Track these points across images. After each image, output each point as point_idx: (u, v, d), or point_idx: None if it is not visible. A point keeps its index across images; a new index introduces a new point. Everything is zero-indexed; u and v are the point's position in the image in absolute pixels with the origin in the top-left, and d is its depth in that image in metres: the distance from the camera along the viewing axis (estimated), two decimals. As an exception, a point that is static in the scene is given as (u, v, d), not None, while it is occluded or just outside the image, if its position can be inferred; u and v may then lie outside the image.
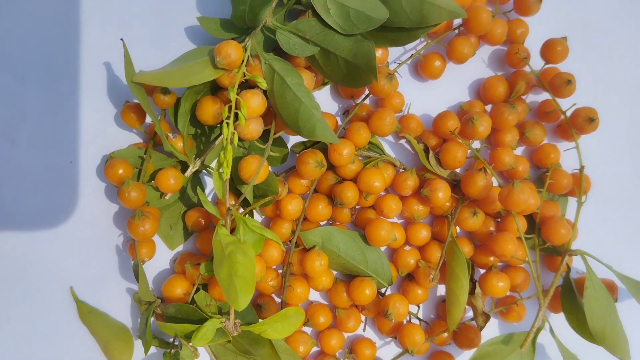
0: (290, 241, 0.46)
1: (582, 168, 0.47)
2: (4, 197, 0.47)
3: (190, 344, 0.42)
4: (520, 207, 0.41)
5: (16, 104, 0.48)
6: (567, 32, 0.49)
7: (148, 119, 0.47)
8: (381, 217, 0.46)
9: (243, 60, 0.41)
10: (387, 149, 0.49)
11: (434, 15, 0.40)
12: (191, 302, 0.44)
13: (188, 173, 0.45)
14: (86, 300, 0.47)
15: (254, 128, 0.43)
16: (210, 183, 0.49)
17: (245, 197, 0.44)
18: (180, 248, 0.48)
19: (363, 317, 0.48)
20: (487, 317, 0.45)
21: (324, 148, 0.46)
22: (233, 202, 0.45)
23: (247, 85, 0.44)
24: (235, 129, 0.42)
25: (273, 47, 0.45)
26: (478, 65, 0.50)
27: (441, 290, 0.49)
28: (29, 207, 0.47)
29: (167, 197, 0.45)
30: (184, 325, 0.41)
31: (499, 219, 0.48)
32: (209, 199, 0.48)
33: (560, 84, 0.45)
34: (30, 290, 0.47)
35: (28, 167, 0.47)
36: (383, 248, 0.48)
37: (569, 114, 0.47)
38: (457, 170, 0.48)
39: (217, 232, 0.40)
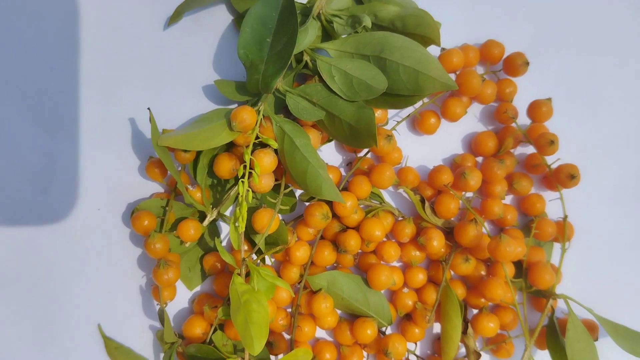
0: (298, 284, 0.51)
1: (565, 217, 0.51)
2: (39, 242, 0.51)
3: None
4: (507, 258, 0.46)
5: (48, 157, 0.52)
6: (553, 91, 0.54)
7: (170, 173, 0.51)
8: (382, 263, 0.51)
9: (256, 122, 0.46)
10: (387, 198, 0.54)
11: (429, 85, 0.45)
12: (209, 341, 0.48)
13: (206, 222, 0.50)
14: (113, 337, 0.51)
15: (266, 183, 0.47)
16: (225, 228, 0.53)
17: (254, 241, 0.48)
18: (198, 289, 0.53)
19: (365, 354, 0.52)
20: (478, 356, 0.50)
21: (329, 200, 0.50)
22: (246, 248, 0.49)
23: (260, 143, 0.49)
24: (249, 185, 0.46)
25: (283, 106, 0.50)
26: (470, 120, 0.55)
27: (437, 328, 0.53)
28: (61, 251, 0.51)
29: (187, 245, 0.50)
30: (203, 364, 0.46)
31: (489, 264, 0.52)
32: (224, 243, 0.53)
33: (544, 144, 0.49)
34: (61, 328, 0.51)
35: (59, 215, 0.52)
36: (383, 291, 0.52)
37: (553, 167, 0.51)
38: (452, 219, 0.52)
39: (234, 281, 0.45)
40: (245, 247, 0.49)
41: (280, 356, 0.51)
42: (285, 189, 0.49)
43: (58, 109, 0.53)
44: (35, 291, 0.51)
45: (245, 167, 0.45)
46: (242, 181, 0.45)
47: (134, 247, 0.52)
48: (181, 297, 0.52)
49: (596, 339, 0.51)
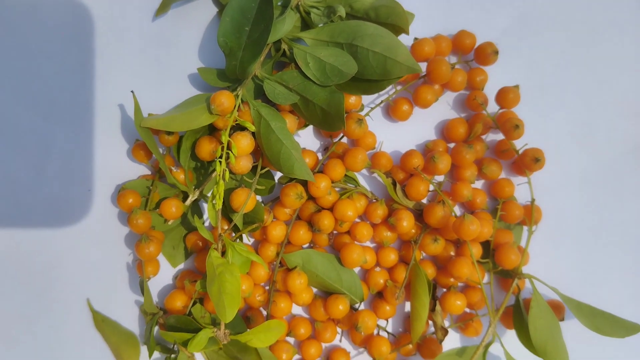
0: (275, 262, 0.53)
1: (533, 200, 0.53)
2: (31, 220, 0.54)
3: (187, 350, 0.48)
4: (470, 236, 0.48)
5: (43, 141, 0.55)
6: (523, 80, 0.56)
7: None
8: (355, 242, 0.53)
9: (235, 107, 0.49)
10: (362, 182, 0.56)
11: (396, 69, 0.47)
12: (189, 314, 0.51)
13: (188, 202, 0.53)
14: (100, 311, 0.54)
15: (244, 164, 0.50)
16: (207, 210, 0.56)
17: (235, 224, 0.51)
18: (181, 266, 0.55)
19: (339, 330, 0.55)
20: (445, 332, 0.52)
21: (305, 182, 0.53)
22: (225, 228, 0.52)
23: (239, 127, 0.51)
24: (227, 165, 0.49)
25: (262, 93, 0.52)
26: (443, 108, 0.57)
27: (408, 307, 0.56)
28: (53, 229, 0.55)
29: (170, 223, 0.53)
30: (182, 333, 0.48)
31: (458, 245, 0.54)
32: (206, 224, 0.56)
33: (510, 128, 0.51)
34: (51, 302, 0.54)
35: (52, 195, 0.55)
36: (357, 269, 0.55)
37: (521, 152, 0.53)
38: (423, 201, 0.54)
39: (210, 255, 0.47)
40: (226, 227, 0.52)
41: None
42: (263, 171, 0.51)
43: (52, 96, 0.56)
44: (27, 267, 0.54)
45: (223, 148, 0.48)
46: (220, 161, 0.47)
47: (122, 226, 0.55)
48: (166, 274, 0.55)
49: (562, 319, 0.53)
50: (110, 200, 0.55)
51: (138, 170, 0.56)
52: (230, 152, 0.47)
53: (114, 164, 0.56)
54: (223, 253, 0.49)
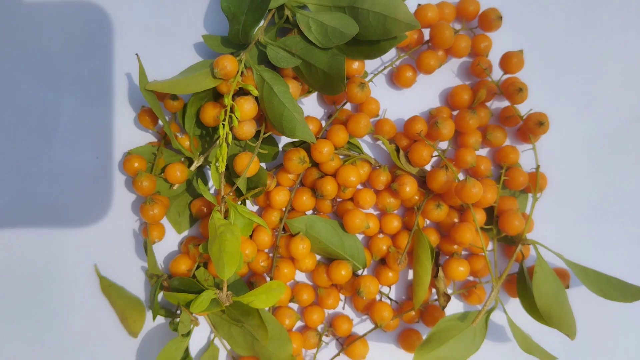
0: (278, 228, 0.54)
1: (537, 167, 0.53)
2: (40, 188, 0.55)
3: (190, 310, 0.49)
4: (472, 199, 0.48)
5: (52, 110, 0.56)
6: (528, 46, 0.56)
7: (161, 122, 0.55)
8: (357, 208, 0.53)
9: (238, 71, 0.49)
10: (366, 149, 0.56)
11: (395, 27, 0.47)
12: (192, 277, 0.52)
13: (193, 167, 0.53)
14: (107, 276, 0.55)
15: (247, 129, 0.50)
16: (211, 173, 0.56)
17: (239, 188, 0.51)
18: (186, 233, 0.56)
19: (342, 297, 0.55)
20: (448, 298, 0.51)
21: (308, 148, 0.53)
22: (231, 194, 0.52)
23: (242, 92, 0.52)
24: (231, 130, 0.50)
25: (265, 59, 0.53)
26: (447, 75, 0.57)
27: (411, 275, 0.55)
28: (61, 197, 0.55)
29: (174, 188, 0.53)
30: (185, 294, 0.49)
31: (462, 212, 0.54)
32: (212, 191, 0.56)
33: (513, 92, 0.51)
34: (60, 267, 0.55)
35: (60, 163, 0.56)
36: (360, 237, 0.55)
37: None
38: (426, 167, 0.54)
39: (213, 216, 0.48)
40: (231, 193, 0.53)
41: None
42: (265, 135, 0.52)
43: (60, 65, 0.57)
44: (35, 233, 0.55)
45: (226, 112, 0.48)
46: (223, 124, 0.48)
47: (129, 192, 0.56)
48: (171, 240, 0.56)
49: (567, 286, 0.53)
50: (118, 167, 0.56)
51: (145, 138, 0.56)
52: (233, 115, 0.48)
53: (122, 132, 0.56)
54: (226, 217, 0.50)
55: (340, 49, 0.50)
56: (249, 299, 0.49)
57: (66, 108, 0.56)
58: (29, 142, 0.56)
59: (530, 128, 0.51)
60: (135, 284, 0.55)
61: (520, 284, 0.52)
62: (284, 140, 0.56)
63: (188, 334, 0.52)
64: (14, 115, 0.56)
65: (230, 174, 0.52)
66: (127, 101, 0.57)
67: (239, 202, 0.53)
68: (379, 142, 0.56)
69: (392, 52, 0.55)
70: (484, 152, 0.56)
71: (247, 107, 0.49)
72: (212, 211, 0.48)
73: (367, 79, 0.54)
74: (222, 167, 0.48)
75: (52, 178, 0.56)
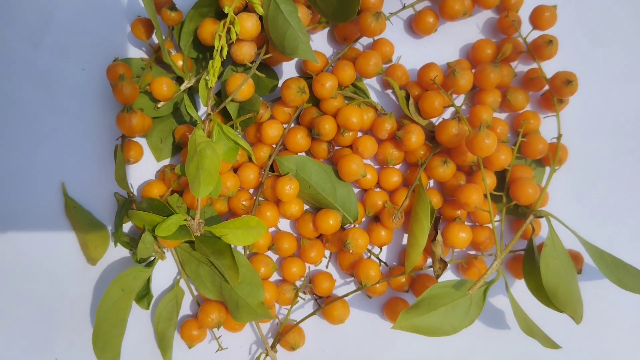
0: (266, 165, 0.48)
1: (559, 136, 0.48)
2: (22, 95, 0.51)
3: (155, 233, 0.44)
4: (484, 152, 0.42)
5: (44, 12, 0.52)
6: (561, 4, 0.51)
7: (155, 39, 0.50)
8: (355, 154, 0.48)
9: (244, -17, 0.45)
10: (373, 96, 0.51)
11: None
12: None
13: (183, 86, 0.49)
14: (75, 198, 0.50)
15: (246, 50, 0.46)
16: (203, 107, 0.52)
17: (228, 112, 0.46)
18: (167, 161, 0.51)
19: (327, 252, 0.49)
20: (444, 265, 0.46)
21: (310, 84, 0.48)
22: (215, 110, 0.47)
23: (247, 11, 0.47)
24: (230, 50, 0.45)
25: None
26: (472, 30, 0.52)
27: (406, 240, 0.50)
28: (41, 105, 0.51)
29: (159, 106, 0.48)
30: (152, 216, 0.44)
31: (469, 175, 0.48)
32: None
33: (542, 44, 0.46)
34: (26, 182, 0.50)
35: (46, 71, 0.51)
36: (356, 190, 0.50)
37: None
38: (436, 120, 0.49)
39: (194, 133, 0.43)
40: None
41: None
42: (266, 56, 0.47)
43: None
44: (8, 139, 0.51)
45: (225, 23, 0.44)
46: (220, 35, 0.44)
47: (114, 110, 0.51)
48: (150, 170, 0.51)
49: (579, 271, 0.47)
50: (102, 83, 0.52)
51: (136, 54, 0.52)
52: (232, 27, 0.44)
53: (113, 43, 0.52)
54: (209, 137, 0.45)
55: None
56: (223, 231, 0.44)
57: (60, 10, 0.52)
58: (16, 43, 0.52)
59: (557, 87, 0.46)
60: (105, 211, 0.50)
61: (527, 261, 0.46)
62: (285, 77, 0.51)
63: (150, 264, 0.47)
64: (2, 12, 0.52)
65: (223, 100, 0.48)
66: (123, 9, 0.52)
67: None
68: (388, 91, 0.52)
69: (414, -5, 0.51)
70: (501, 117, 0.51)
71: (248, 24, 0.45)
72: (195, 128, 0.43)
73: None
74: (213, 82, 0.44)
75: (34, 85, 0.51)
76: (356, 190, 0.50)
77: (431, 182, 0.50)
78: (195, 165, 0.41)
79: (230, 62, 0.50)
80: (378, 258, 0.48)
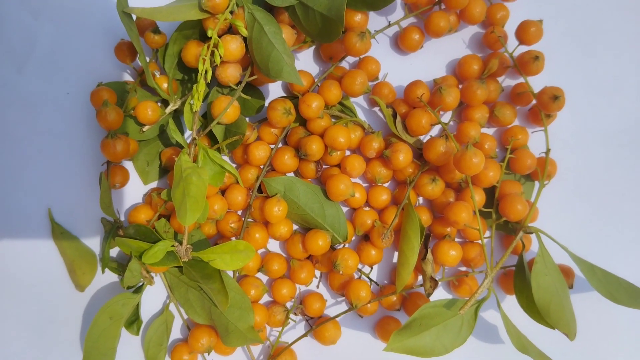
0: (254, 187, 0.48)
1: (548, 150, 0.47)
2: (6, 118, 0.50)
3: (142, 261, 0.43)
4: (472, 170, 0.42)
5: (29, 37, 0.52)
6: (549, 17, 0.51)
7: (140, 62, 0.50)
8: (343, 174, 0.48)
9: (228, 7, 0.45)
10: (360, 114, 0.51)
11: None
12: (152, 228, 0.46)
13: (168, 110, 0.48)
14: (62, 223, 0.50)
15: (231, 73, 0.46)
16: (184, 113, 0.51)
17: (214, 135, 0.46)
18: (154, 184, 0.51)
19: (317, 273, 0.49)
20: (435, 284, 0.46)
21: (296, 102, 0.48)
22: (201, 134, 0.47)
23: (231, 33, 0.47)
24: (215, 73, 0.45)
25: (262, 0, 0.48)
26: (458, 45, 0.52)
27: (397, 258, 0.50)
28: (26, 130, 0.50)
29: (145, 129, 0.48)
30: (139, 243, 0.43)
31: (458, 192, 0.48)
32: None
33: (529, 60, 0.46)
34: (11, 208, 0.50)
35: (30, 95, 0.51)
36: (345, 209, 0.49)
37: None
38: (423, 138, 0.49)
39: (180, 158, 0.43)
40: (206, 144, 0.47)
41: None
42: (250, 78, 0.46)
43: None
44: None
45: (209, 46, 0.43)
46: (204, 59, 0.43)
47: (99, 133, 0.51)
48: (137, 194, 0.50)
49: (571, 286, 0.47)
50: (87, 106, 0.51)
51: (121, 77, 0.52)
52: (216, 50, 0.43)
53: (97, 67, 0.52)
54: (195, 161, 0.44)
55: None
56: (211, 256, 0.43)
57: (45, 35, 0.52)
58: (0, 68, 0.51)
59: (544, 103, 0.46)
60: (93, 237, 0.50)
61: (518, 277, 0.46)
62: (271, 97, 0.51)
63: (138, 290, 0.46)
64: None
65: (208, 122, 0.47)
66: (106, 34, 0.52)
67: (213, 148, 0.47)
68: (375, 109, 0.51)
69: (399, 12, 0.51)
70: (489, 132, 0.51)
71: (232, 46, 0.44)
72: (180, 153, 0.43)
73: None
74: (197, 106, 0.43)
75: (19, 109, 0.51)
76: (345, 208, 0.50)
77: (420, 200, 0.50)
78: (182, 191, 0.40)
79: (215, 83, 0.50)
80: (369, 277, 0.48)
